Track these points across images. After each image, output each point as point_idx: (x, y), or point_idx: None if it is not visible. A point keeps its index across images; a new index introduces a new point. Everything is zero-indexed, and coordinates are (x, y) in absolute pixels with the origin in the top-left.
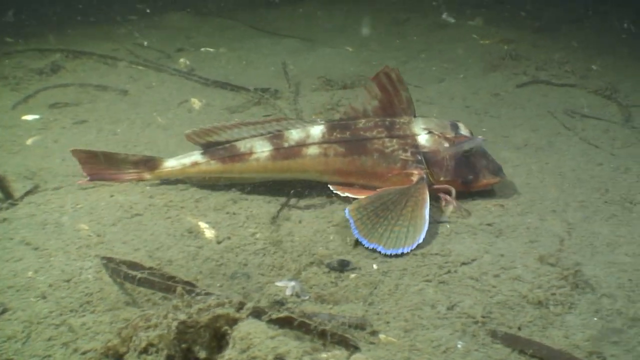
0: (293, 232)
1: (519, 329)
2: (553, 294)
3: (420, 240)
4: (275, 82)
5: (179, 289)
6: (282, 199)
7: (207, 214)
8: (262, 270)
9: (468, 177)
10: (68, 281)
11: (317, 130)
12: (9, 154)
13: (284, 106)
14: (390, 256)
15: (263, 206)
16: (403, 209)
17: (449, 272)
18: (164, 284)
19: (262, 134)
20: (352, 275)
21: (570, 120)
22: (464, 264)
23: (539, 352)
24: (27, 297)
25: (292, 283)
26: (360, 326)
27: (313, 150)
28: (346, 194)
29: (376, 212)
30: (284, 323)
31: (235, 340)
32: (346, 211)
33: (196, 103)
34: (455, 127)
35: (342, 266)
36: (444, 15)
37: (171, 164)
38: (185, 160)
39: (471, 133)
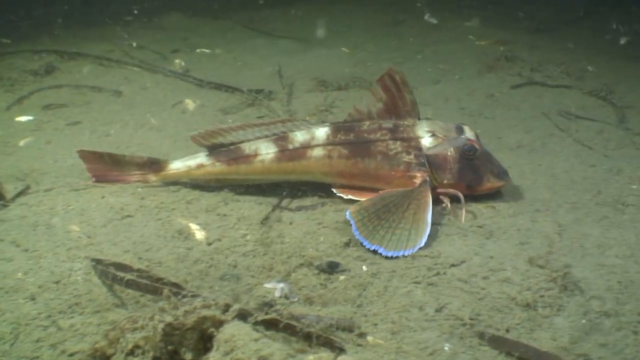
0: (283, 234)
1: (507, 331)
2: (541, 296)
3: (422, 244)
4: (270, 83)
5: (166, 291)
6: (274, 201)
7: (198, 216)
8: (251, 271)
9: (472, 180)
10: (57, 283)
11: (321, 132)
12: (2, 156)
13: (277, 107)
14: (392, 258)
15: (254, 208)
16: (405, 212)
17: (437, 274)
18: (152, 286)
19: (267, 136)
20: (342, 277)
21: (564, 121)
22: (453, 265)
23: (525, 354)
24: (16, 299)
25: (281, 285)
26: (348, 328)
27: (317, 152)
28: (349, 197)
29: (378, 214)
30: (270, 325)
31: (220, 343)
32: (347, 213)
33: (190, 104)
34: (460, 130)
35: (332, 268)
36: (427, 17)
37: (176, 166)
38: (190, 162)
39: (477, 136)
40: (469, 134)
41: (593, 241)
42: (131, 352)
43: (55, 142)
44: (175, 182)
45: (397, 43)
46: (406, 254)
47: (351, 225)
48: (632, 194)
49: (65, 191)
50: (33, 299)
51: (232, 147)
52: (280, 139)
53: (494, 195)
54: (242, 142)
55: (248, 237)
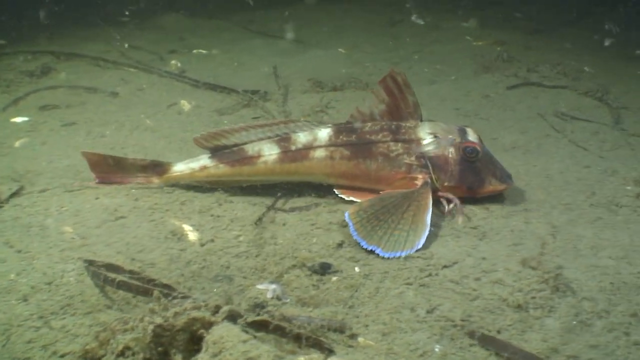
0: (277, 235)
1: (498, 332)
2: (533, 298)
3: (420, 246)
4: (266, 83)
5: (156, 292)
6: (268, 202)
7: (192, 217)
8: (244, 273)
9: (473, 182)
10: (50, 284)
11: (323, 133)
12: None
13: (272, 108)
14: (389, 259)
15: (248, 209)
16: (404, 213)
17: (430, 275)
18: (142, 287)
19: (269, 137)
20: (334, 278)
21: (559, 122)
22: (445, 267)
23: (513, 355)
24: (9, 300)
25: (273, 286)
26: (339, 329)
27: (319, 153)
28: (351, 198)
29: (377, 215)
30: (260, 326)
31: (209, 344)
32: (346, 214)
33: (185, 105)
34: (462, 132)
35: (324, 269)
36: (414, 18)
37: (180, 168)
38: (193, 164)
39: (480, 139)
40: (472, 136)
41: (586, 242)
42: (121, 354)
43: (51, 143)
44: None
45: (394, 43)
46: (403, 255)
47: (349, 226)
48: (626, 195)
49: (59, 192)
50: (25, 300)
51: (235, 148)
52: (283, 140)
53: (488, 196)
54: (245, 143)
55: (241, 238)
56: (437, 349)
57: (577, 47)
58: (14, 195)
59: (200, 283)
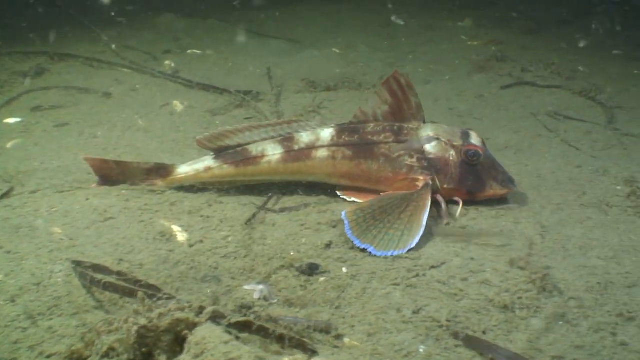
0: (266, 236)
1: (484, 332)
2: (519, 298)
3: (413, 245)
4: (260, 84)
5: (140, 293)
6: (258, 202)
7: (181, 218)
8: (232, 273)
9: (473, 186)
10: (38, 285)
11: (326, 134)
12: None
13: (265, 108)
14: (378, 259)
15: (238, 209)
16: (402, 213)
17: (417, 275)
18: (128, 288)
19: (273, 137)
20: (322, 279)
21: (552, 122)
22: (433, 267)
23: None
24: None
25: (260, 286)
26: (325, 330)
27: (322, 153)
28: (352, 199)
29: (374, 215)
30: (244, 327)
31: (191, 345)
32: (343, 213)
33: (178, 106)
34: (466, 135)
35: (312, 270)
36: (394, 18)
37: (184, 170)
38: (197, 165)
39: (483, 142)
40: (475, 139)
41: (575, 242)
42: (106, 355)
43: (43, 144)
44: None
45: (389, 43)
46: (394, 254)
47: (345, 224)
48: (616, 195)
49: (50, 193)
50: (13, 300)
51: (238, 149)
52: (286, 140)
53: (498, 201)
54: (248, 143)
55: (230, 239)
56: (421, 350)
57: (572, 47)
58: (4, 196)
59: (188, 284)
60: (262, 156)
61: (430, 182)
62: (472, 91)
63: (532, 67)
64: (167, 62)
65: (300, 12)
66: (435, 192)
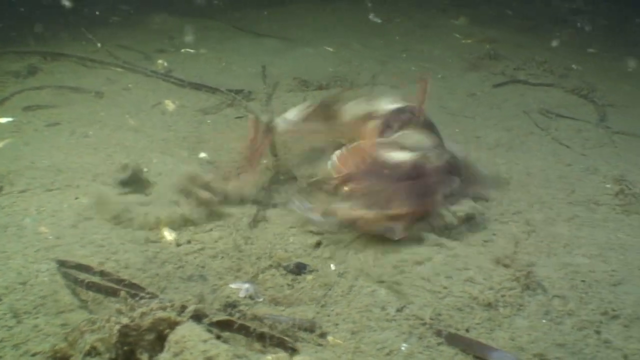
0: (254, 235)
1: (467, 330)
2: (503, 296)
3: None
4: (253, 82)
5: (123, 293)
6: (250, 201)
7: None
8: (219, 273)
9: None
10: (24, 284)
11: None
12: None
13: (256, 107)
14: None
15: (227, 209)
16: None
17: (402, 272)
18: (111, 287)
19: None
20: (309, 277)
21: (544, 120)
22: (418, 263)
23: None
24: None
25: (246, 285)
26: (309, 328)
27: None
28: None
29: None
30: (225, 326)
31: (171, 344)
32: None
33: (170, 105)
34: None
35: (299, 269)
36: (371, 16)
37: None
38: None
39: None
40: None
41: (561, 240)
42: (89, 353)
43: (34, 143)
44: None
45: (383, 42)
46: None
47: None
48: (605, 193)
49: (39, 192)
50: None
51: None
52: None
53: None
54: None
55: (217, 237)
56: (403, 348)
57: (566, 45)
58: None
59: (174, 283)
60: None
61: None
62: (465, 89)
63: (525, 65)
64: (160, 61)
65: (294, 11)
66: None
